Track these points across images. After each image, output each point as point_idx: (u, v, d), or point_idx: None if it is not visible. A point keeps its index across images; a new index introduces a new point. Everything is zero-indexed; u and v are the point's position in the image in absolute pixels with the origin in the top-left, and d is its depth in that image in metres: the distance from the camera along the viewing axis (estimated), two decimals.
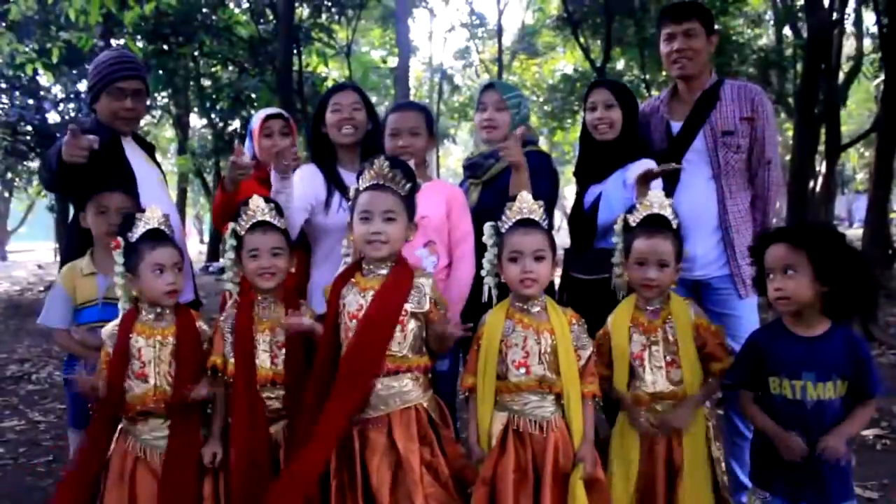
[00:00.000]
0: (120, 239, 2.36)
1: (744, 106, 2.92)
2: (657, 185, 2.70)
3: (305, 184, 2.81)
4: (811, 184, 11.17)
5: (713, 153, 2.90)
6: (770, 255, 2.10)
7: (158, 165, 3.16)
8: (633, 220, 2.41)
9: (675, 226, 2.39)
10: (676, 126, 2.99)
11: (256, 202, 2.43)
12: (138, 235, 2.34)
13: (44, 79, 12.01)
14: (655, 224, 2.37)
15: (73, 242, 2.87)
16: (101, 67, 2.92)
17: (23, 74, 10.50)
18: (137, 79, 2.97)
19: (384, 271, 2.29)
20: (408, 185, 2.30)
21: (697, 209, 2.84)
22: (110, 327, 2.37)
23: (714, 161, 2.91)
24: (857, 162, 27.53)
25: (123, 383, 2.28)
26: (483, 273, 2.43)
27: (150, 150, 3.15)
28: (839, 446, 1.99)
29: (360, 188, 2.31)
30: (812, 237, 2.08)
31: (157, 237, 2.36)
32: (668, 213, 2.39)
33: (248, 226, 2.42)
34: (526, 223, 2.33)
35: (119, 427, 2.34)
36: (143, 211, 2.43)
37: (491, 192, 2.93)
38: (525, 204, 2.36)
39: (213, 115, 12.81)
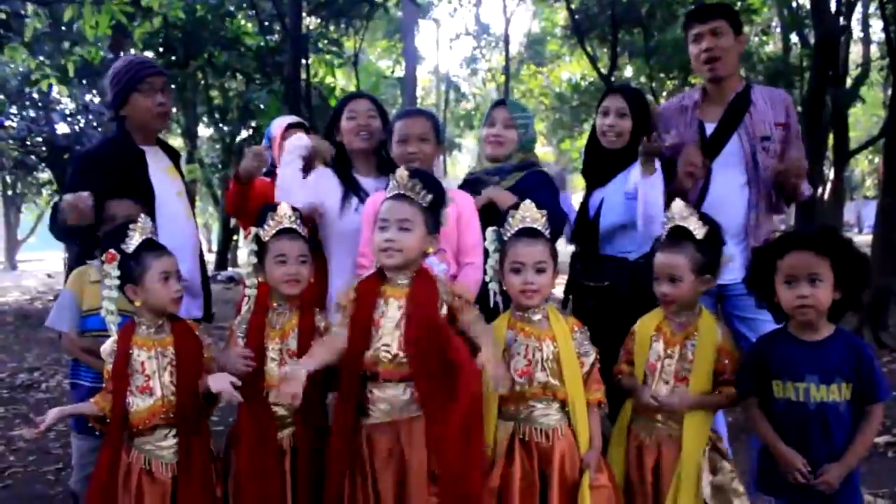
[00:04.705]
0: (113, 251, 2.30)
1: (777, 111, 2.92)
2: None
3: (319, 182, 2.83)
4: (819, 190, 11.15)
5: (750, 157, 2.88)
6: (794, 261, 2.06)
7: (182, 175, 3.16)
8: (662, 234, 2.37)
9: (700, 236, 2.30)
10: (710, 127, 2.96)
11: (284, 209, 2.44)
12: (135, 245, 2.31)
13: (53, 90, 12.11)
14: (676, 236, 2.32)
15: (80, 249, 2.89)
16: (123, 71, 2.91)
17: (34, 89, 10.57)
18: (162, 75, 3.00)
19: (405, 281, 2.28)
20: (429, 196, 2.28)
21: (727, 215, 2.78)
22: (109, 344, 2.32)
23: (751, 165, 2.88)
24: (866, 168, 27.42)
25: (127, 399, 2.25)
26: (487, 279, 2.44)
27: (175, 157, 3.14)
28: (836, 482, 2.00)
29: (385, 199, 2.32)
30: (834, 244, 2.07)
31: (155, 246, 2.35)
32: (691, 223, 2.32)
33: (273, 232, 2.42)
34: (528, 233, 2.33)
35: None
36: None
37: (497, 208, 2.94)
38: (528, 213, 2.35)
39: (221, 126, 12.89)
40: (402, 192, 2.28)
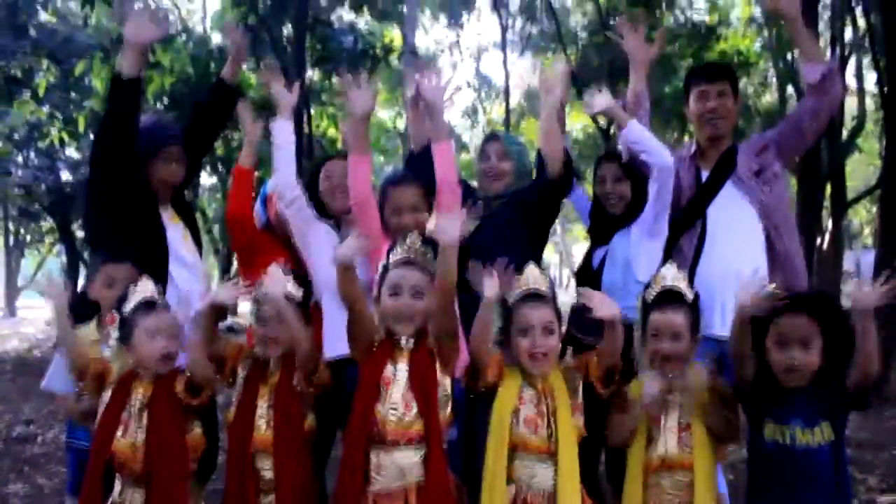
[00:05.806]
0: (115, 314, 2.38)
1: (754, 146, 3.02)
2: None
3: (318, 243, 2.85)
4: (818, 240, 11.17)
5: (754, 197, 2.91)
6: (789, 324, 2.10)
7: (192, 226, 3.17)
8: (649, 295, 2.39)
9: (689, 299, 2.36)
10: (707, 175, 3.04)
11: (275, 272, 2.47)
12: (132, 307, 2.37)
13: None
14: (669, 298, 2.35)
15: (77, 308, 2.89)
16: (146, 134, 2.87)
17: (45, 142, 10.72)
18: (181, 144, 3.00)
19: (410, 346, 2.29)
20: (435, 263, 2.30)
21: (740, 260, 2.78)
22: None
23: (757, 203, 2.91)
24: (864, 217, 27.50)
25: (115, 430, 2.28)
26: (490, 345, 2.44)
27: (186, 210, 3.16)
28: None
29: (390, 264, 2.32)
30: (828, 312, 2.10)
31: (150, 305, 2.38)
32: (682, 286, 2.37)
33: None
34: (534, 297, 2.34)
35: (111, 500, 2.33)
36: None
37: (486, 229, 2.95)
38: (532, 276, 2.37)
39: (224, 176, 13.01)
40: (412, 257, 2.29)
